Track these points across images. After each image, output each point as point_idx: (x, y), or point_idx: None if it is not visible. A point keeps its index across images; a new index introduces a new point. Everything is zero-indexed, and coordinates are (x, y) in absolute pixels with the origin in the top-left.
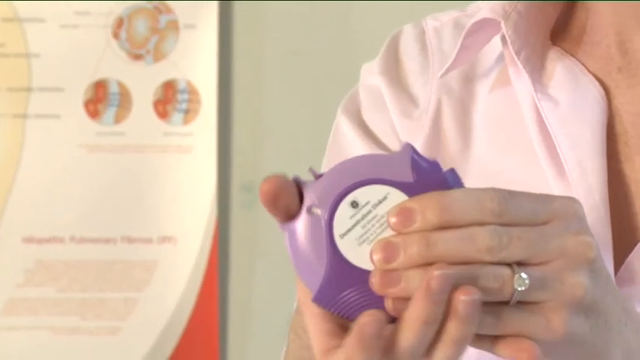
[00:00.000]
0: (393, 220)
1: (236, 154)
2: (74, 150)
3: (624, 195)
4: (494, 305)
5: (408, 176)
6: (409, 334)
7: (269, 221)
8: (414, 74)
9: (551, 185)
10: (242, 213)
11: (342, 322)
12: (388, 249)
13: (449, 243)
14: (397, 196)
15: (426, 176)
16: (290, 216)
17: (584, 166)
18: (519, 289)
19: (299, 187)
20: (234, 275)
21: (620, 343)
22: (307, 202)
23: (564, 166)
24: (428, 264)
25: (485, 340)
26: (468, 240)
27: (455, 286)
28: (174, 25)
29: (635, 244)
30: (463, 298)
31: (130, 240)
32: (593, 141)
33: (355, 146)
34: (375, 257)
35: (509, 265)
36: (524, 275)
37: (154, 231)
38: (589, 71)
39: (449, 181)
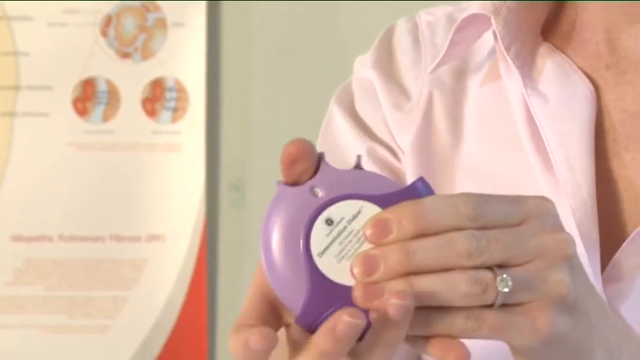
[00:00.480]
0: (369, 232)
1: (224, 153)
2: (62, 148)
3: (612, 192)
4: (477, 309)
5: (378, 189)
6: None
7: (257, 220)
8: (406, 68)
9: (539, 181)
10: (230, 212)
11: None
12: (368, 261)
13: (428, 251)
14: (371, 209)
15: (397, 188)
16: (295, 183)
17: (573, 163)
18: (503, 290)
19: (319, 162)
20: (223, 274)
21: (601, 340)
22: (316, 180)
23: (552, 162)
24: (409, 273)
25: (417, 339)
26: (446, 246)
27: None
28: (162, 24)
29: (623, 241)
30: (394, 302)
31: (118, 238)
32: (582, 138)
33: (347, 137)
34: (356, 271)
35: (489, 268)
36: (506, 276)
37: (142, 229)
38: (579, 68)
39: (420, 190)
